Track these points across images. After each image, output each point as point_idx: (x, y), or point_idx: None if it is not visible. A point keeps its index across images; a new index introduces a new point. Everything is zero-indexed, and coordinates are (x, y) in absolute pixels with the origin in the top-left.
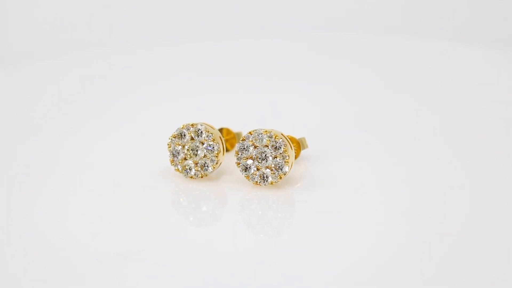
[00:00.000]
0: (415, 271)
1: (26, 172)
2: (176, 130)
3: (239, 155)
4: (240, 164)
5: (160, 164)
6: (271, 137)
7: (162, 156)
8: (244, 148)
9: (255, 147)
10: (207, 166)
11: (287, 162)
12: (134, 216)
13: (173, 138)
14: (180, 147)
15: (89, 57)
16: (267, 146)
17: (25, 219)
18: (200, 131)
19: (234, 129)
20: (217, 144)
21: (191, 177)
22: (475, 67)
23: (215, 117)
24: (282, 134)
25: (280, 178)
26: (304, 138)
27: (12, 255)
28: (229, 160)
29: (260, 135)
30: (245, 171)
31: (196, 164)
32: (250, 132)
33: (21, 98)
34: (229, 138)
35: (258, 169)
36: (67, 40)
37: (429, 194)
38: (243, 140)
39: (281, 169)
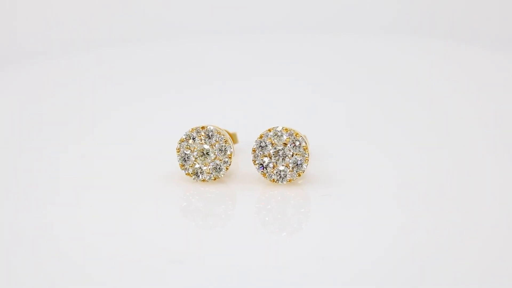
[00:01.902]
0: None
1: (31, 181)
2: (184, 134)
3: (256, 153)
4: (257, 162)
5: (164, 169)
6: (291, 134)
7: (164, 162)
8: (262, 146)
9: (273, 144)
10: (219, 168)
11: (307, 159)
12: (158, 224)
13: (181, 142)
14: (189, 151)
15: (89, 58)
16: (286, 144)
17: (39, 229)
18: (211, 133)
19: (229, 130)
20: (229, 145)
21: (203, 180)
22: (473, 67)
23: (212, 119)
24: (299, 132)
25: (299, 175)
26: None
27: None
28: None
29: (280, 133)
30: (262, 169)
31: (207, 166)
32: (269, 130)
33: (18, 101)
34: None
35: (274, 167)
36: (67, 40)
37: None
38: (260, 137)
39: (300, 167)
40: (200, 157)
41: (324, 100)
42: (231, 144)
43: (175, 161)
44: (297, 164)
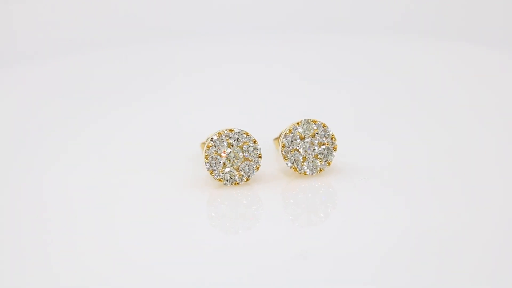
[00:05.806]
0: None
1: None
2: (211, 140)
3: (286, 147)
4: (288, 157)
5: (183, 177)
6: (320, 126)
7: (182, 168)
8: (292, 141)
9: (301, 137)
10: (250, 168)
11: (335, 147)
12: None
13: (209, 148)
14: (218, 155)
15: (93, 57)
16: (314, 135)
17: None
18: (239, 135)
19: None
20: (258, 145)
21: (236, 183)
22: (479, 66)
23: (221, 120)
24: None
25: (329, 164)
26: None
27: None
28: None
29: (309, 125)
30: (293, 163)
31: (238, 169)
32: (297, 123)
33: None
34: None
35: (304, 160)
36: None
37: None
38: (289, 131)
39: (330, 155)
40: (229, 161)
41: (327, 101)
42: (258, 143)
43: (197, 168)
44: (326, 154)
